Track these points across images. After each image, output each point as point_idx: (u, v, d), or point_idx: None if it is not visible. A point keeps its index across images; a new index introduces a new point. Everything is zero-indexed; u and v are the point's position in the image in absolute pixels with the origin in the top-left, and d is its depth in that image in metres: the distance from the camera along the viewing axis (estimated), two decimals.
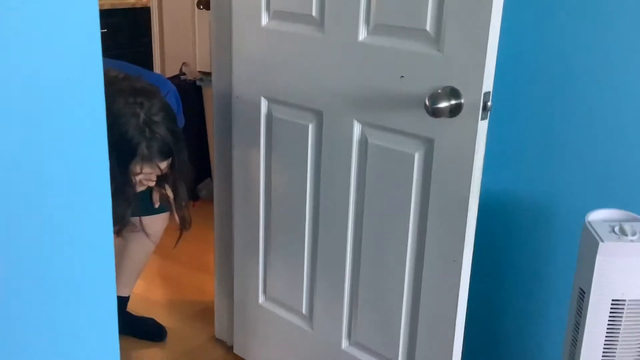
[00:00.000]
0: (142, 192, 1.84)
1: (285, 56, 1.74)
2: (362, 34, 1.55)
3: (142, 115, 1.63)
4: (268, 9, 1.76)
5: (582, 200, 1.54)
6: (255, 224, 1.94)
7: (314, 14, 1.64)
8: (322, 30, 1.63)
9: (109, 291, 0.82)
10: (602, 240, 1.29)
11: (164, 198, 1.92)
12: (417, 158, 1.51)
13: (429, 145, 1.48)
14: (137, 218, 1.95)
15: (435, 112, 1.38)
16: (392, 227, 1.60)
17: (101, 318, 0.83)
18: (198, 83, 3.26)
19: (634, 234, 1.30)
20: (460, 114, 1.39)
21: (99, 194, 0.78)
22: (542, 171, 1.60)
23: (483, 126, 1.40)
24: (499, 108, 1.46)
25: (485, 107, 1.38)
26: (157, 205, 1.95)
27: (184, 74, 3.32)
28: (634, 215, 1.38)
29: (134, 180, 1.69)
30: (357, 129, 1.62)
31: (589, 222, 1.36)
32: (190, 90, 3.24)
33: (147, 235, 2.01)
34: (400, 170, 1.55)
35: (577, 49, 1.50)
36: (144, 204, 1.93)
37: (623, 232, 1.31)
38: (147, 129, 1.63)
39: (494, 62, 1.36)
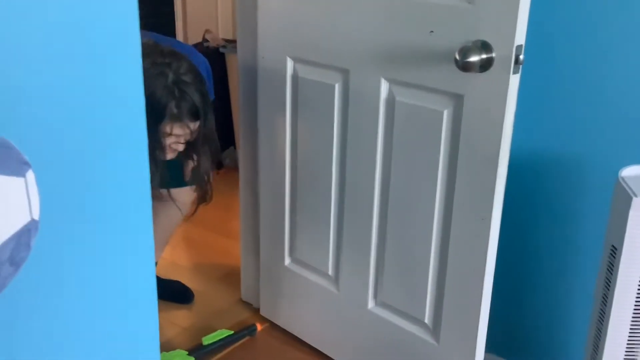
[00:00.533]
0: (171, 163, 1.84)
1: (311, 13, 1.72)
2: None
3: (171, 75, 1.62)
4: None
5: (614, 156, 1.51)
6: (281, 186, 1.94)
7: None
8: None
9: (147, 258, 0.83)
10: (636, 195, 1.26)
11: (195, 172, 1.92)
12: (446, 115, 1.49)
13: (458, 101, 1.46)
14: (166, 190, 1.95)
15: (465, 67, 1.36)
16: (420, 185, 1.59)
17: (141, 283, 0.83)
18: (221, 50, 3.25)
19: None
20: (491, 68, 1.37)
21: (137, 159, 0.77)
22: (574, 127, 1.57)
23: (514, 80, 1.37)
24: (530, 62, 1.43)
25: (517, 61, 1.35)
26: (187, 179, 1.96)
27: (207, 41, 3.31)
28: None
29: (163, 143, 1.69)
30: (384, 86, 1.60)
31: (623, 178, 1.33)
32: (213, 58, 3.23)
33: (177, 206, 2.02)
34: (428, 127, 1.54)
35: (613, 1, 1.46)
36: (173, 177, 1.93)
37: None
38: (176, 89, 1.63)
39: (526, 14, 1.33)
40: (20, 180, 0.56)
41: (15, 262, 0.56)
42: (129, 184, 0.75)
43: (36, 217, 0.58)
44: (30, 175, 0.57)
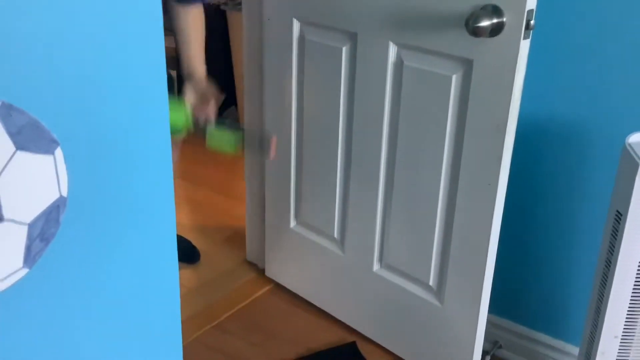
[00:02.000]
0: None
1: None
2: None
3: None
4: None
5: (622, 122, 1.51)
6: (287, 148, 1.95)
7: None
8: None
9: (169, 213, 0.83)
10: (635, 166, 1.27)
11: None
12: (455, 80, 1.49)
13: (467, 66, 1.46)
14: None
15: (476, 32, 1.35)
16: (427, 150, 1.60)
17: (162, 241, 0.84)
18: (222, 7, 3.20)
19: None
20: (502, 33, 1.36)
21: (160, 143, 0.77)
22: (582, 93, 1.57)
23: (525, 46, 1.37)
24: (539, 27, 1.42)
25: (527, 26, 1.34)
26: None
27: None
28: None
29: None
30: (392, 50, 1.59)
31: (630, 144, 1.33)
32: (215, 15, 3.19)
33: None
34: (436, 93, 1.53)
35: None
36: None
37: None
38: None
39: None
40: (50, 157, 0.56)
41: (45, 237, 0.58)
42: (151, 162, 0.76)
43: (64, 193, 0.59)
44: (59, 152, 0.58)
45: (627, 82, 1.51)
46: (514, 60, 1.37)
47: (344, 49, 1.69)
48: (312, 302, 2.06)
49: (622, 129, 1.42)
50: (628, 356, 1.41)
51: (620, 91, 1.52)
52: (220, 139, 1.60)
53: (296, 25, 1.80)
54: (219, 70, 3.27)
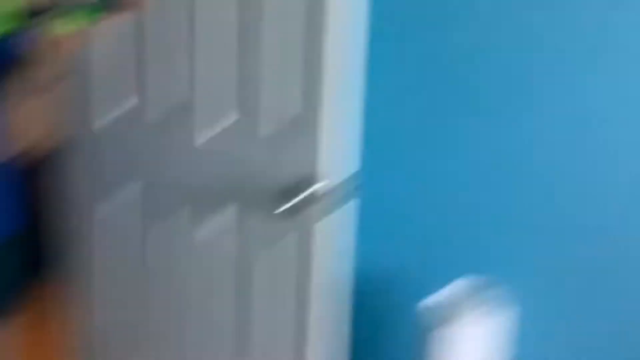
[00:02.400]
0: None
1: None
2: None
3: None
4: None
5: (421, 279, 1.53)
6: None
7: None
8: None
9: None
10: (433, 329, 1.36)
11: None
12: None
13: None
14: None
15: (291, 208, 1.37)
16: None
17: None
18: None
19: (467, 314, 1.36)
20: (318, 203, 1.38)
21: None
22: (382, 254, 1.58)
23: (342, 215, 1.44)
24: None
25: (343, 195, 1.40)
26: None
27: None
28: (473, 286, 1.41)
29: None
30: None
31: (422, 310, 1.40)
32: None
33: None
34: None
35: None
36: None
37: (456, 314, 1.36)
38: None
39: (356, 145, 1.42)
40: None
41: None
42: None
43: None
44: None
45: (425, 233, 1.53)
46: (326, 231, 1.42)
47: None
48: None
49: (424, 282, 1.47)
50: None
51: (419, 245, 1.54)
52: (66, 21, 1.33)
53: None
54: None
